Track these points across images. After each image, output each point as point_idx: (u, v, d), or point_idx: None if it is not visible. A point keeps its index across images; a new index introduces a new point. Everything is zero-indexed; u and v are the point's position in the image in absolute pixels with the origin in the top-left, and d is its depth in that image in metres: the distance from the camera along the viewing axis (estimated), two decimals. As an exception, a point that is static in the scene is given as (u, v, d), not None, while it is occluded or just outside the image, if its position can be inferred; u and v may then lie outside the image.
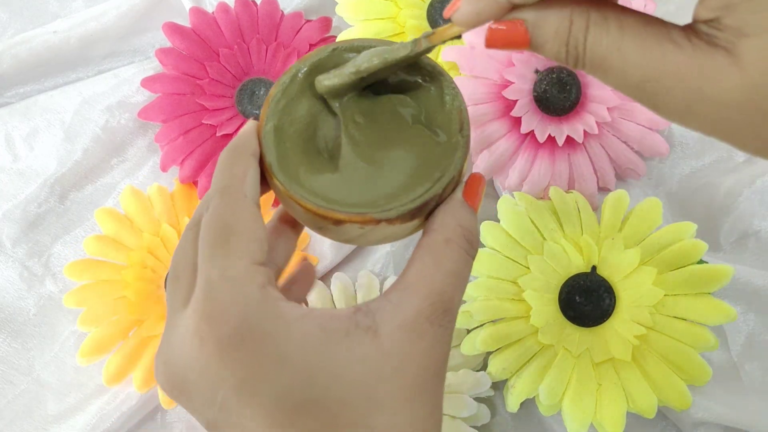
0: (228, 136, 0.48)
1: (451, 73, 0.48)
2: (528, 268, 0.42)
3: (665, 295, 0.41)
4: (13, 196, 0.48)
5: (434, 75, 0.28)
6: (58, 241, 0.48)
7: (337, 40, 0.49)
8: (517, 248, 0.43)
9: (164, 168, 0.48)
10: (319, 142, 0.28)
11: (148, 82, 0.48)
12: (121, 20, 0.51)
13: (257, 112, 0.49)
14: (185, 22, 0.50)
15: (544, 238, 0.43)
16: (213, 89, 0.49)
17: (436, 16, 0.49)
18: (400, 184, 0.27)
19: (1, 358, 0.45)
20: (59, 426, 0.44)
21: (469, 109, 0.46)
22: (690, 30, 0.22)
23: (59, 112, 0.49)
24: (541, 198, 0.45)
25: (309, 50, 0.50)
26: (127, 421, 0.44)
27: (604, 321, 0.42)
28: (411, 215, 0.26)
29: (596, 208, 0.46)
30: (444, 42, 0.26)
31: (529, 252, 0.43)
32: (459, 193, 0.27)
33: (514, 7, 0.23)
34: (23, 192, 0.48)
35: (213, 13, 0.50)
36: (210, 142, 0.48)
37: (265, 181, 0.28)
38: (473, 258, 0.26)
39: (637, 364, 0.41)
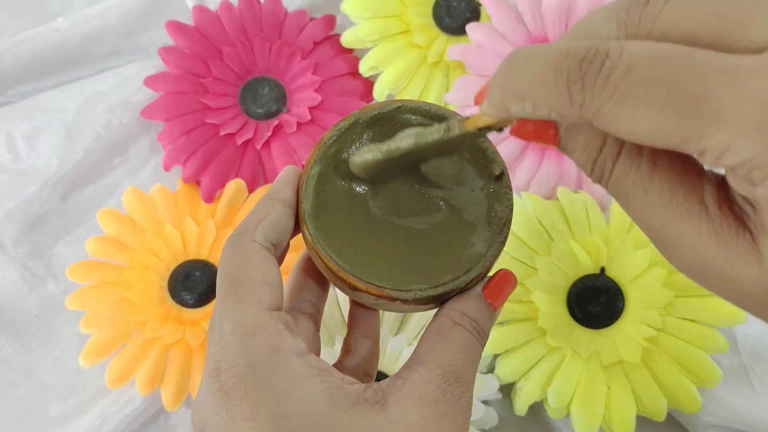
0: (231, 136, 0.48)
1: (457, 72, 0.48)
2: (536, 269, 0.42)
3: (675, 297, 0.41)
4: (15, 195, 0.47)
5: (500, 174, 0.27)
6: (59, 241, 0.48)
7: (341, 39, 0.48)
8: (524, 249, 0.42)
9: (167, 167, 0.47)
10: (360, 201, 0.28)
11: (150, 81, 0.48)
12: (124, 18, 0.51)
13: (260, 111, 0.48)
14: (188, 20, 0.49)
15: (552, 239, 0.42)
16: (216, 88, 0.48)
17: (441, 13, 0.48)
18: (424, 269, 0.26)
19: (3, 359, 0.45)
20: (61, 429, 0.43)
21: (475, 109, 0.46)
22: (723, 193, 0.20)
23: (61, 111, 0.49)
24: (549, 198, 0.45)
25: (313, 49, 0.50)
26: (131, 424, 0.43)
27: (613, 323, 0.41)
28: (427, 300, 0.26)
29: (605, 209, 0.45)
30: (483, 130, 0.23)
31: (537, 253, 0.42)
32: (479, 287, 0.26)
33: None
34: (25, 192, 0.47)
35: (216, 11, 0.50)
36: (213, 141, 0.47)
37: (298, 227, 0.27)
38: (482, 345, 0.26)
39: (646, 367, 0.41)
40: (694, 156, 0.18)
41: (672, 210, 0.19)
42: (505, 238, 0.27)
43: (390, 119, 0.28)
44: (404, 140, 0.25)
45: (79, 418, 0.43)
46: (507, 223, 0.27)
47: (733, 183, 0.18)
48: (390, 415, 0.23)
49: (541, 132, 0.21)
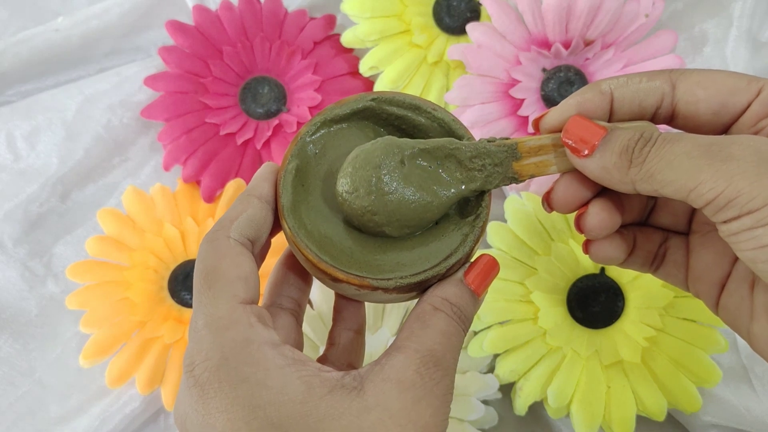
0: (231, 135, 0.48)
1: (458, 72, 0.48)
2: (536, 269, 0.42)
3: (675, 297, 0.41)
4: (15, 195, 0.47)
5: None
6: (59, 241, 0.48)
7: (341, 39, 0.48)
8: (524, 249, 0.42)
9: (167, 167, 0.47)
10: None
11: (150, 81, 0.48)
12: (124, 18, 0.51)
13: (260, 110, 0.48)
14: (188, 19, 0.49)
15: (552, 239, 0.42)
16: (216, 87, 0.48)
17: (441, 13, 0.48)
18: (405, 256, 0.26)
19: (3, 359, 0.45)
20: (61, 428, 0.43)
21: (475, 108, 0.46)
22: None
23: (61, 110, 0.49)
24: (549, 198, 0.45)
25: (313, 48, 0.50)
26: (131, 424, 0.43)
27: (613, 323, 0.41)
28: (409, 288, 0.26)
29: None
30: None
31: (537, 253, 0.42)
32: (460, 273, 0.26)
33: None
34: (25, 191, 0.47)
35: (216, 10, 0.50)
36: (213, 140, 0.47)
37: (279, 223, 0.27)
38: (464, 331, 0.26)
39: (646, 366, 0.41)
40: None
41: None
42: (485, 222, 0.27)
43: (368, 111, 0.28)
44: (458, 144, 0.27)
45: (79, 418, 0.43)
46: (486, 206, 0.27)
47: None
48: (367, 400, 0.23)
49: (590, 129, 0.26)
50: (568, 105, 0.27)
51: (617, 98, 0.27)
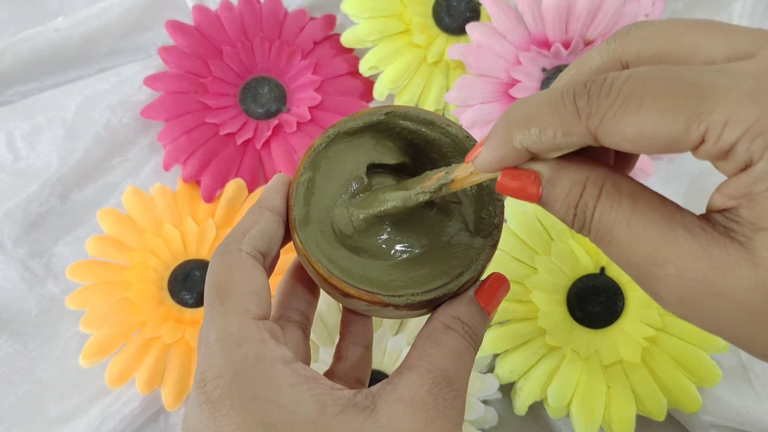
0: (231, 135, 0.48)
1: (457, 72, 0.48)
2: (535, 269, 0.42)
3: (675, 297, 0.41)
4: (14, 195, 0.47)
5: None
6: (59, 241, 0.48)
7: (341, 39, 0.48)
8: (524, 249, 0.42)
9: (167, 167, 0.47)
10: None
11: (150, 81, 0.48)
12: (124, 18, 0.51)
13: (260, 110, 0.48)
14: (188, 20, 0.49)
15: (552, 239, 0.42)
16: (216, 87, 0.48)
17: (441, 13, 0.48)
18: (416, 272, 0.26)
19: (3, 359, 0.45)
20: (61, 428, 0.43)
21: (475, 108, 0.46)
22: (705, 219, 0.20)
23: (61, 110, 0.49)
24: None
25: (313, 48, 0.50)
26: (130, 424, 0.43)
27: (613, 323, 0.41)
28: (420, 305, 0.26)
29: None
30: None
31: (537, 253, 0.42)
32: (472, 291, 0.26)
33: (533, 158, 0.22)
34: (24, 191, 0.47)
35: (216, 10, 0.50)
36: (213, 140, 0.47)
37: (289, 235, 0.27)
38: (475, 350, 0.26)
39: (646, 366, 0.41)
40: (693, 153, 0.19)
41: (657, 237, 0.20)
42: (497, 241, 0.27)
43: (381, 125, 0.28)
44: (390, 202, 0.26)
45: (79, 418, 0.43)
46: (498, 226, 0.27)
47: (726, 190, 0.20)
48: (379, 420, 0.23)
49: (525, 186, 0.22)
50: (487, 162, 0.23)
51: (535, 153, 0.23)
